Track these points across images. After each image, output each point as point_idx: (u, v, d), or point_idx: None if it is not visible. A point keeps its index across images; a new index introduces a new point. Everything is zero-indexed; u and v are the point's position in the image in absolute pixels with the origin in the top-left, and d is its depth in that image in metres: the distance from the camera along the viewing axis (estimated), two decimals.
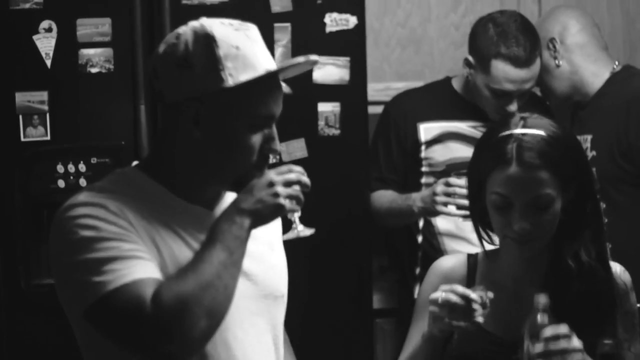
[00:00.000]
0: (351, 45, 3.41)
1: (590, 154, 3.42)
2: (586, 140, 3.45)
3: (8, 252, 3.13)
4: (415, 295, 3.07)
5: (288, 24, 3.34)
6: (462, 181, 3.22)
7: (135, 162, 2.13)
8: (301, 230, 2.04)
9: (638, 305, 2.38)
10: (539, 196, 2.22)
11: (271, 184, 1.96)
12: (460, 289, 2.14)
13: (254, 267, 2.06)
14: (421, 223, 3.54)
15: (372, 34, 3.76)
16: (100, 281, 1.87)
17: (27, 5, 3.13)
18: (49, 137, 3.15)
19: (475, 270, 2.37)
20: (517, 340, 2.13)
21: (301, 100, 3.22)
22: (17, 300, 3.15)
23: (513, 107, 3.42)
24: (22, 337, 3.16)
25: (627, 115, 3.42)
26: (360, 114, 3.45)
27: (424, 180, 3.52)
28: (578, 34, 3.58)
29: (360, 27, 3.41)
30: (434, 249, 3.50)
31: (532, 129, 2.25)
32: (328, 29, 3.38)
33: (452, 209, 3.25)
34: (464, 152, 3.43)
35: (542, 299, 2.10)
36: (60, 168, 3.15)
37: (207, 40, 1.96)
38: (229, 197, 2.05)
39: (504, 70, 3.39)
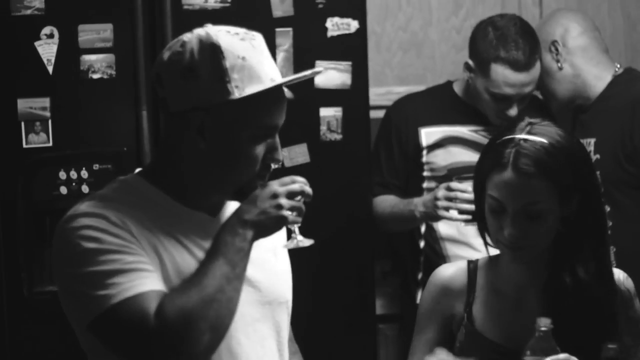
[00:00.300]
0: (353, 49, 3.40)
1: (594, 157, 3.41)
2: (589, 143, 3.44)
3: (11, 259, 3.12)
4: (418, 301, 3.07)
5: (289, 29, 3.33)
6: (464, 186, 3.21)
7: (137, 170, 2.13)
8: (300, 240, 2.04)
9: None
10: (530, 204, 2.19)
11: (275, 196, 1.95)
12: None
13: (257, 274, 2.06)
14: (423, 228, 3.53)
15: (373, 38, 3.76)
16: (104, 295, 1.87)
17: (29, 12, 3.12)
18: (51, 144, 3.14)
19: (475, 278, 2.35)
20: (519, 348, 2.10)
21: (303, 106, 3.20)
22: (19, 307, 3.14)
23: (513, 111, 3.41)
24: (25, 344, 3.15)
25: (632, 117, 3.41)
26: (362, 119, 3.44)
27: (425, 184, 3.51)
28: (579, 36, 3.57)
29: (362, 31, 3.41)
30: (436, 254, 3.49)
31: (534, 136, 2.23)
32: (329, 34, 3.38)
33: (453, 213, 3.24)
34: (466, 156, 3.43)
35: (543, 323, 2.06)
36: (62, 175, 3.14)
37: (213, 50, 1.95)
38: (232, 203, 2.05)
39: (503, 74, 3.38)
